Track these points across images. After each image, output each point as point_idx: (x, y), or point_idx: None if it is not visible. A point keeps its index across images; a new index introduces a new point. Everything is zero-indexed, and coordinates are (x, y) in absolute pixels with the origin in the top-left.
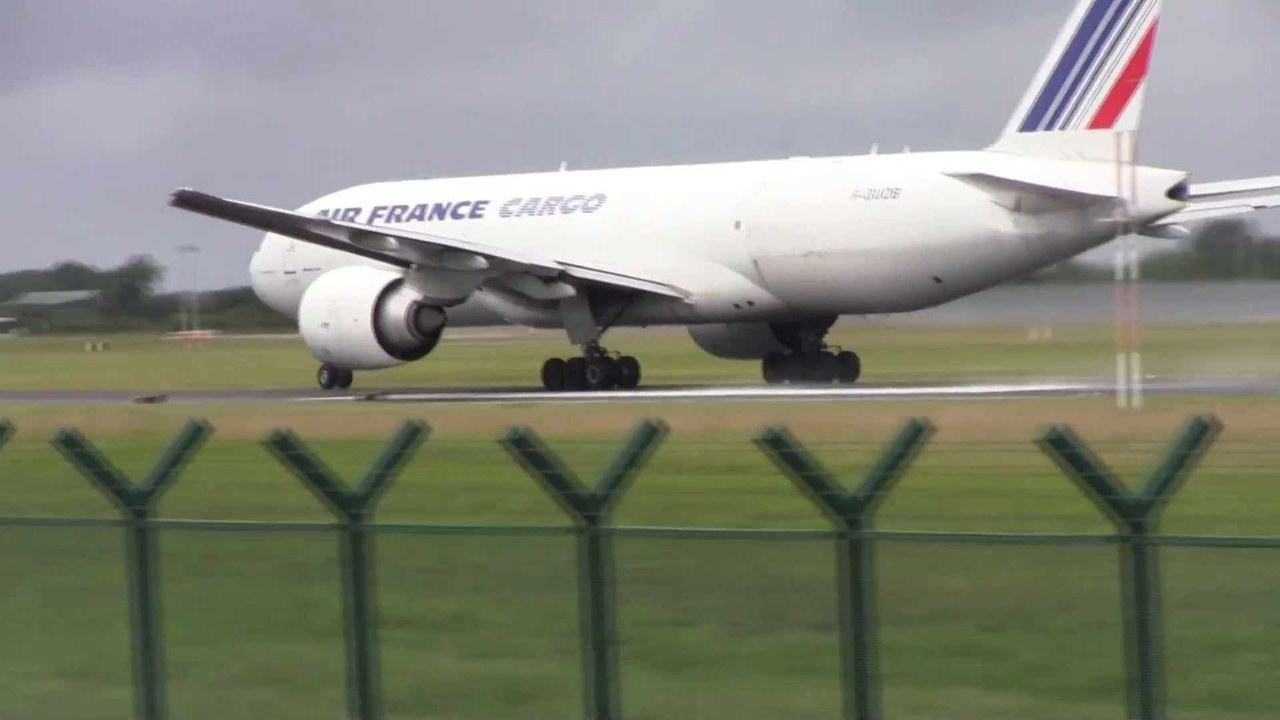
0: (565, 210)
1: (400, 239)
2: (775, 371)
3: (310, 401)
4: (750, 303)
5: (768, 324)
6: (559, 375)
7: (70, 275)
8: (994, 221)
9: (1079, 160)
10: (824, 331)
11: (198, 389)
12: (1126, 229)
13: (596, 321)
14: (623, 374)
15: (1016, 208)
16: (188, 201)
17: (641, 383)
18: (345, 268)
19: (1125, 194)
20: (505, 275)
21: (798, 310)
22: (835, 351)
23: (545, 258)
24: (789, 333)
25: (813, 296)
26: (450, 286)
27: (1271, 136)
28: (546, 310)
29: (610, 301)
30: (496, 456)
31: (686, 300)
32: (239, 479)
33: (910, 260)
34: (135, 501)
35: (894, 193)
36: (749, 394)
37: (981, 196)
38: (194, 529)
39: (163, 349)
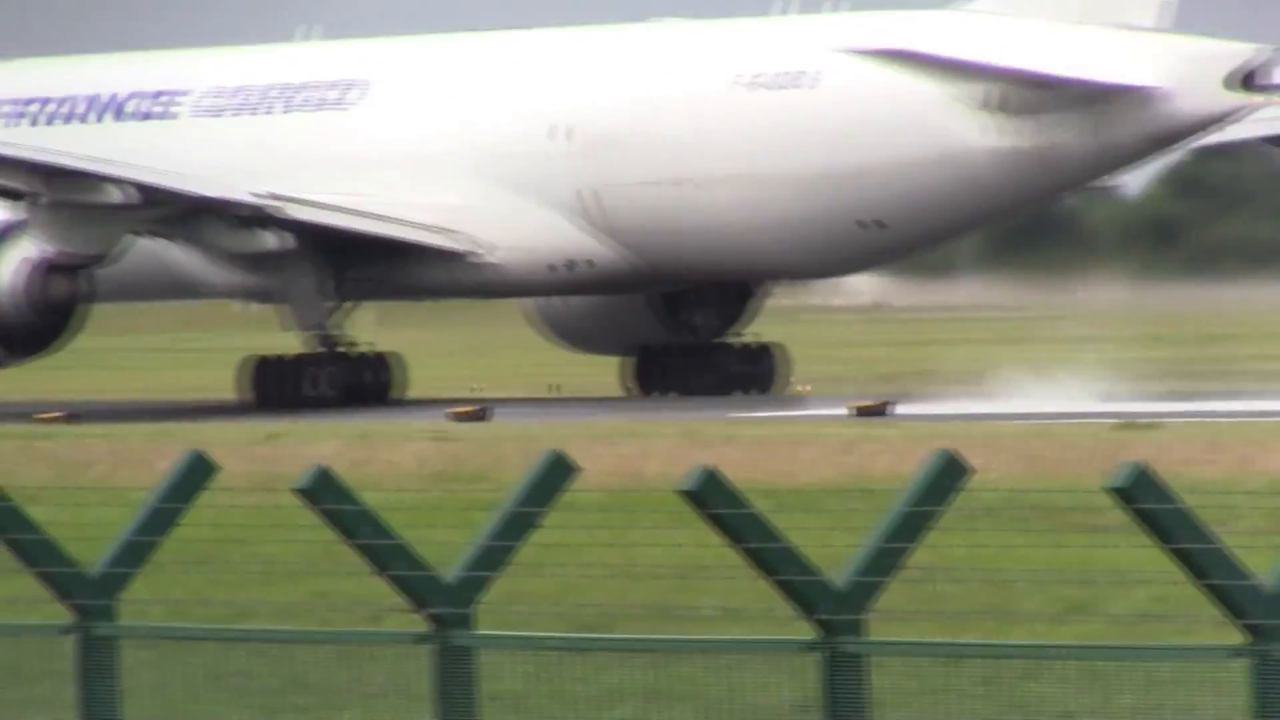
0: (300, 106)
1: None
2: (649, 376)
3: None
4: (588, 262)
5: (641, 296)
6: (273, 382)
7: None
8: (959, 129)
9: (1094, 24)
10: (732, 312)
11: None
12: (1168, 139)
13: (337, 292)
14: (371, 380)
15: (993, 105)
16: None
17: (402, 395)
18: None
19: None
20: (182, 216)
21: (660, 273)
22: (750, 344)
23: (243, 188)
24: (682, 312)
25: (682, 253)
26: (89, 234)
27: None
28: (261, 274)
29: (360, 261)
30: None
31: (482, 258)
32: None
33: (831, 192)
34: None
35: (804, 79)
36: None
37: (938, 88)
38: None
39: None
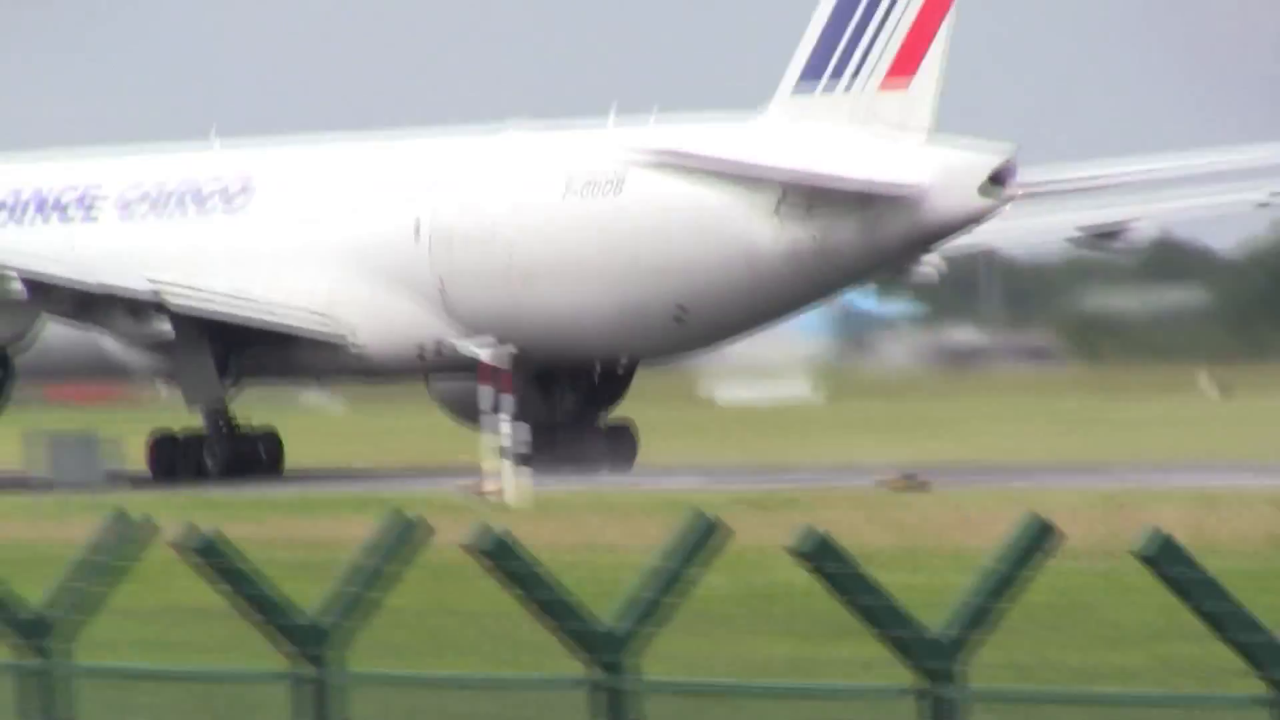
0: (201, 204)
1: None
2: (539, 450)
3: None
4: (439, 348)
5: (528, 377)
6: (170, 456)
7: None
8: (748, 225)
9: (868, 128)
10: (600, 392)
11: None
12: (930, 238)
13: (225, 375)
14: (260, 455)
15: (776, 207)
16: None
17: (288, 467)
18: None
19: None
20: (88, 304)
21: (514, 358)
22: (612, 423)
23: (135, 277)
24: (553, 393)
25: (523, 337)
26: (3, 321)
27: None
28: (161, 357)
29: (246, 345)
30: None
31: (351, 343)
32: None
33: (640, 284)
34: None
35: (619, 185)
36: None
37: (726, 192)
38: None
39: None
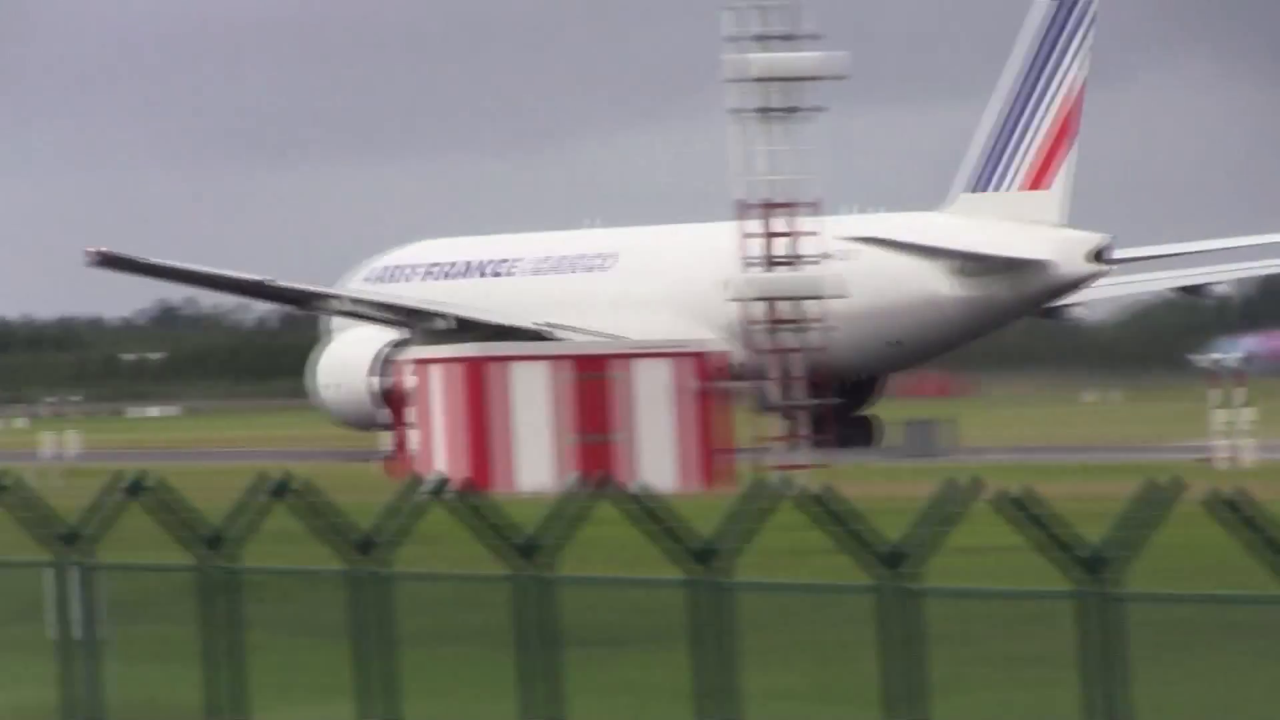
0: (583, 269)
1: (357, 300)
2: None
3: None
4: (740, 364)
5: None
6: None
7: None
8: (937, 284)
9: (1016, 222)
10: (855, 396)
11: None
12: (1054, 293)
13: None
14: None
15: (956, 271)
16: (108, 261)
17: None
18: (357, 329)
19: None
20: (498, 335)
21: (784, 372)
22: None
23: (527, 318)
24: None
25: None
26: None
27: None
28: None
29: None
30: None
31: None
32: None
33: (868, 324)
34: None
35: (854, 256)
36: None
37: (926, 262)
38: None
39: None
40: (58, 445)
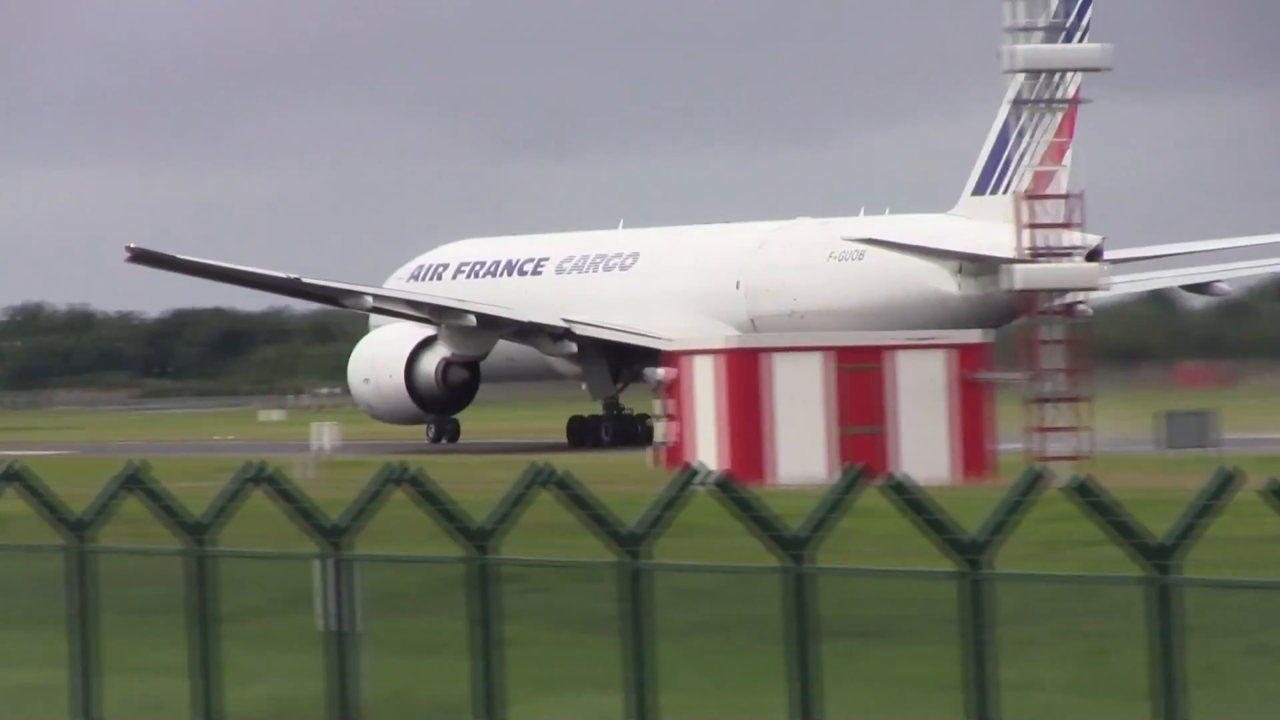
0: (606, 269)
1: (381, 296)
2: None
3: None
4: None
5: None
6: (580, 432)
7: None
8: (941, 283)
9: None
10: None
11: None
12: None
13: (616, 379)
14: (637, 431)
15: (959, 270)
16: (141, 257)
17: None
18: (388, 326)
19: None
20: (523, 332)
21: None
22: None
23: (553, 315)
24: None
25: None
26: (472, 343)
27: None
28: (575, 365)
29: (630, 359)
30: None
31: None
32: None
33: (874, 320)
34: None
35: (860, 255)
36: None
37: (929, 262)
38: None
39: None
40: (319, 437)
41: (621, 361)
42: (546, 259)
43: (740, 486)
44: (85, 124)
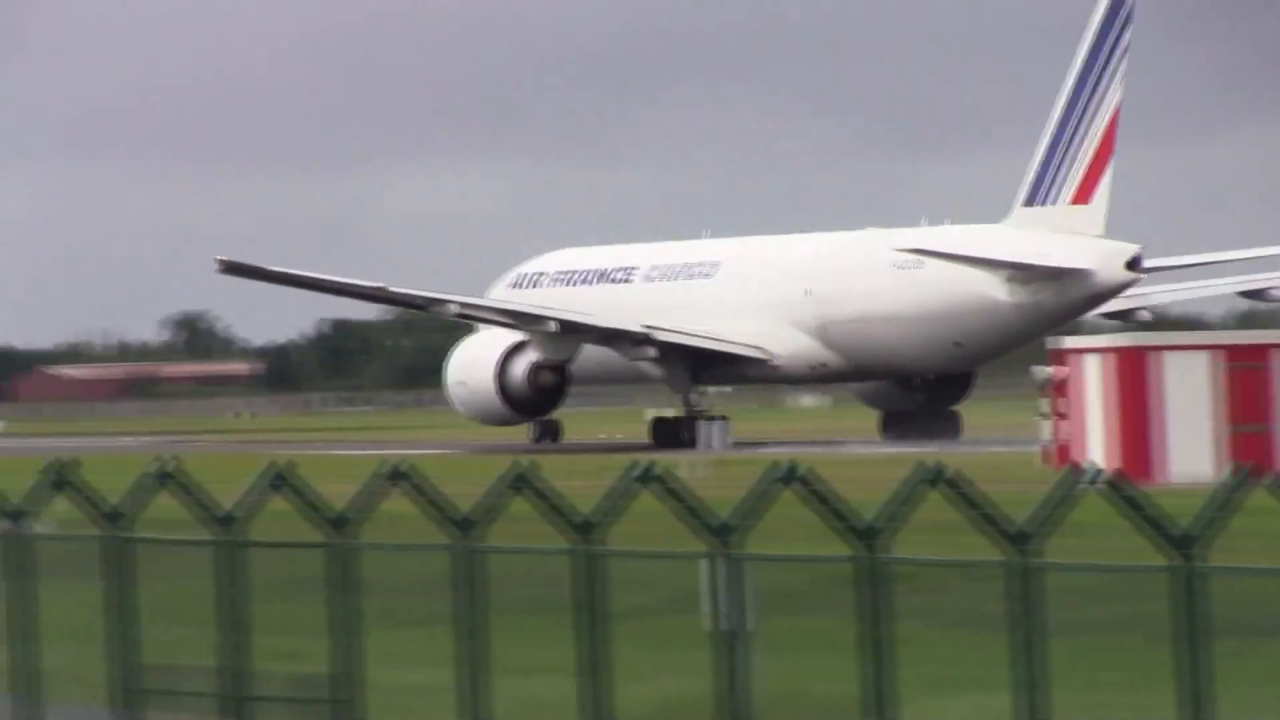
0: (689, 277)
1: (466, 304)
2: (893, 428)
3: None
4: (824, 364)
5: (891, 380)
6: (662, 433)
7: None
8: (993, 291)
9: (1064, 233)
10: (938, 393)
11: None
12: (1098, 298)
13: (696, 381)
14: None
15: (1009, 279)
16: (233, 269)
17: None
18: (484, 331)
19: (1089, 264)
20: (608, 337)
21: (864, 370)
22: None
23: (636, 321)
24: (929, 391)
25: (868, 358)
26: (558, 347)
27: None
28: (659, 368)
29: (709, 361)
30: None
31: (773, 362)
32: None
33: (933, 325)
34: None
35: (920, 264)
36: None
37: (983, 270)
38: None
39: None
40: (710, 436)
41: (701, 365)
42: (636, 268)
43: (1130, 485)
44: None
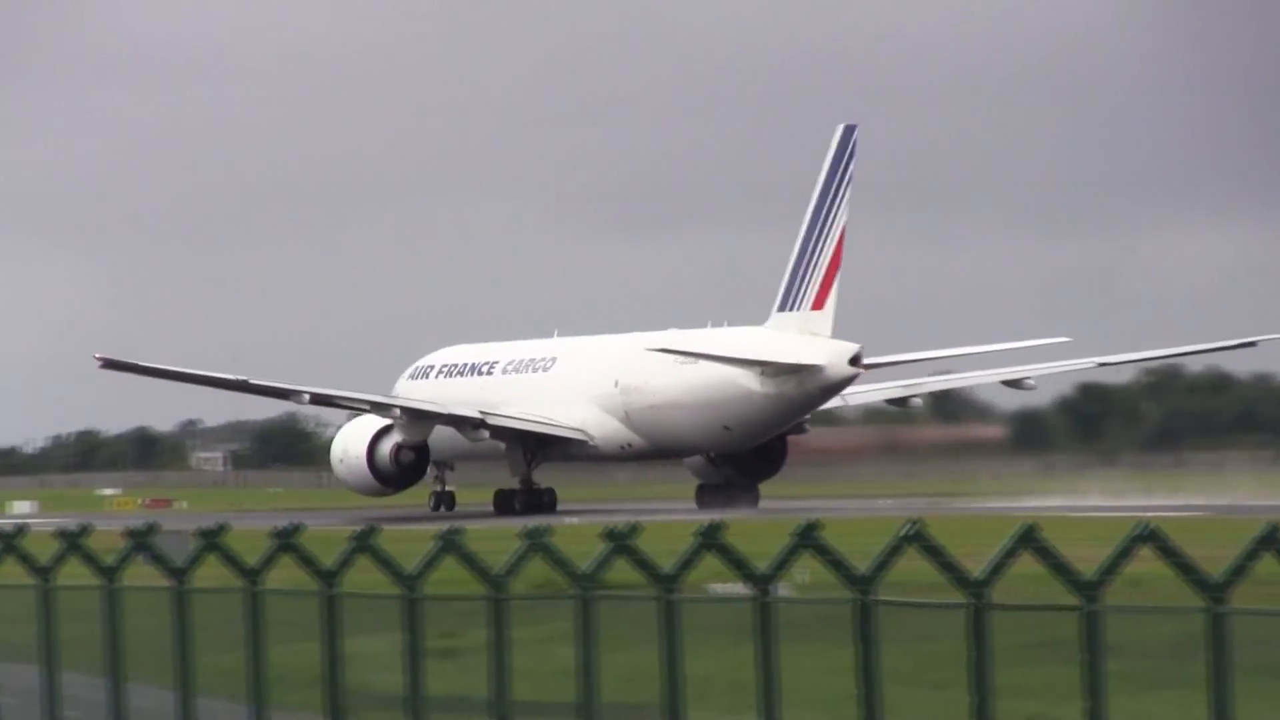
0: (533, 370)
1: (317, 395)
2: (703, 497)
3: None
4: (630, 445)
5: (703, 457)
6: (500, 502)
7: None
8: (749, 383)
9: (806, 334)
10: (742, 468)
11: None
12: (831, 390)
13: (529, 459)
14: (543, 501)
15: (763, 373)
16: (112, 364)
17: (560, 508)
18: (366, 416)
19: (818, 360)
20: (455, 421)
21: (663, 450)
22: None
23: (470, 408)
24: (741, 468)
25: (663, 439)
26: (415, 430)
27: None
28: (499, 447)
29: (539, 443)
30: None
31: (592, 443)
32: None
33: (704, 411)
34: None
35: (697, 361)
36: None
37: (737, 367)
38: None
39: None
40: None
41: (532, 445)
42: (498, 362)
43: None
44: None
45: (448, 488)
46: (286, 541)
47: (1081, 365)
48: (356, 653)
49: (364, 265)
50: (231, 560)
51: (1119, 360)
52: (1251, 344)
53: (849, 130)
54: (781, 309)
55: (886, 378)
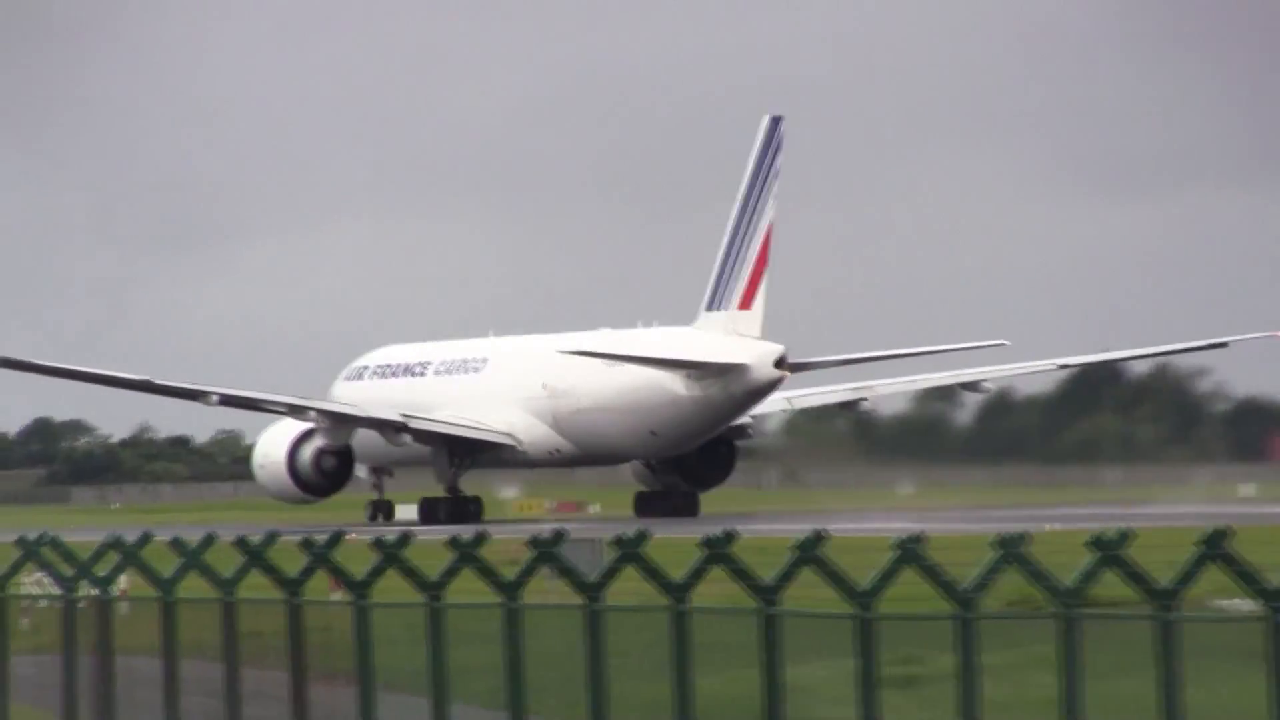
0: (464, 371)
1: (226, 395)
2: (642, 505)
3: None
4: (559, 450)
5: (646, 466)
6: (426, 510)
7: None
8: (675, 386)
9: (733, 335)
10: (687, 474)
11: None
12: (757, 393)
13: (456, 465)
14: (469, 510)
15: (688, 376)
16: (8, 363)
17: (485, 518)
18: (286, 420)
19: (744, 360)
20: (378, 425)
21: (592, 456)
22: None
23: (391, 411)
24: (686, 475)
25: (591, 444)
26: (336, 434)
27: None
28: (422, 452)
29: (464, 447)
30: None
31: (520, 448)
32: None
33: (630, 416)
34: None
35: (624, 363)
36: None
37: (666, 370)
38: None
39: None
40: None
41: (458, 449)
42: (430, 363)
43: None
44: None
45: (385, 496)
46: (719, 552)
47: (1043, 367)
48: (799, 683)
49: None
50: (653, 573)
51: (1080, 362)
52: (1223, 344)
53: (775, 122)
54: (709, 309)
55: (836, 380)
